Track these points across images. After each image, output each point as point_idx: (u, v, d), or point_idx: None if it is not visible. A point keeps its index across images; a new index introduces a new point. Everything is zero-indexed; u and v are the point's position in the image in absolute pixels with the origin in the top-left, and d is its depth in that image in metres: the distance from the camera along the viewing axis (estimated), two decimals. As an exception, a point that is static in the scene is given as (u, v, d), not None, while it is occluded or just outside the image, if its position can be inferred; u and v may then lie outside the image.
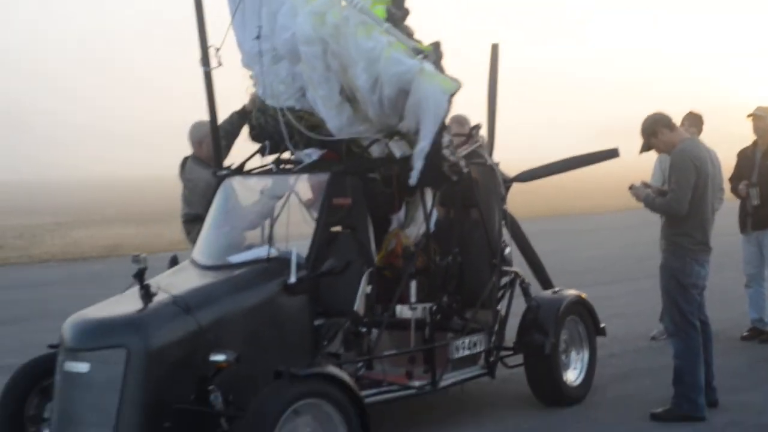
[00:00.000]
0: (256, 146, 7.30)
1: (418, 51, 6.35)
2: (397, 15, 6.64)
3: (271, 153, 7.20)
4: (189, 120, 7.85)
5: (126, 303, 5.66)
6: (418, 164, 6.47)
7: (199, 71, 6.94)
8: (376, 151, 6.92)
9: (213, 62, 6.88)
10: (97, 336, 5.41)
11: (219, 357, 5.36)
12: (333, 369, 5.54)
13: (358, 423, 5.41)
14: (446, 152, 6.66)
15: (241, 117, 7.59)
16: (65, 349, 5.49)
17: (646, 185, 7.32)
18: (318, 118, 6.91)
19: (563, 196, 36.02)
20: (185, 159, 7.78)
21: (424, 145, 6.37)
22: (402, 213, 7.39)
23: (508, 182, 7.78)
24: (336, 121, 6.77)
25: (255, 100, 7.40)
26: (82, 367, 5.33)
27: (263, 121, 7.16)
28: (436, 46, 6.48)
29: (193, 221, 7.38)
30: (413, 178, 6.54)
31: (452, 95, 6.26)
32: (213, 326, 5.59)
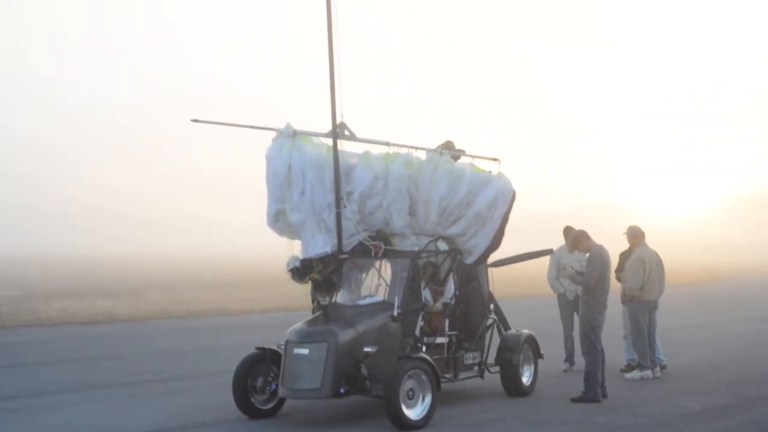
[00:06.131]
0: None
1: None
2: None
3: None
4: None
5: (322, 321, 10.79)
6: (483, 244, 11.89)
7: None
8: (409, 244, 12.04)
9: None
10: (313, 335, 10.51)
11: (368, 348, 10.52)
12: (425, 355, 10.76)
13: (436, 384, 10.54)
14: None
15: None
16: (292, 342, 10.51)
17: (572, 268, 12.85)
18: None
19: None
20: None
21: (494, 228, 11.90)
22: (428, 294, 12.19)
23: (489, 266, 13.05)
24: (399, 223, 11.96)
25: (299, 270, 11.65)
26: (304, 351, 10.40)
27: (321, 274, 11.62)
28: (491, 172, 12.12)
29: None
30: (474, 257, 11.96)
31: (515, 192, 11.99)
32: (363, 333, 10.71)
